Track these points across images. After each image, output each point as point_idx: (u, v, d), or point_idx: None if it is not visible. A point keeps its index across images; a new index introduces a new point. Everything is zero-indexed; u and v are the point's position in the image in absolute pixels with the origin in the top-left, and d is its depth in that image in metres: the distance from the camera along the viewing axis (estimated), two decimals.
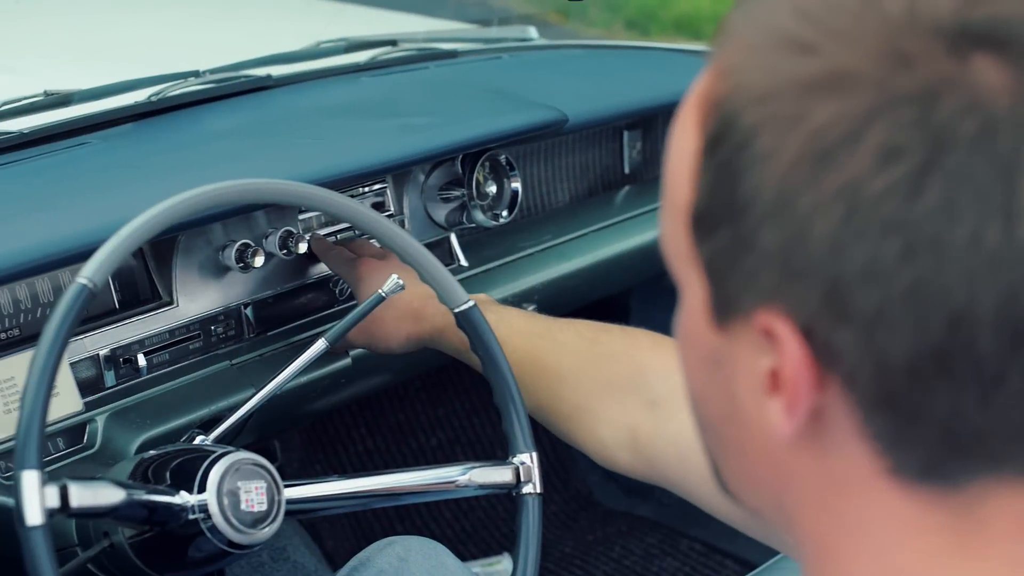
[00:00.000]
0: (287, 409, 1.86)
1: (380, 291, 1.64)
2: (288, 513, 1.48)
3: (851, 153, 0.63)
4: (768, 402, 0.69)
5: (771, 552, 2.55)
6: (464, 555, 2.71)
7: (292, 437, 2.60)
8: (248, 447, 1.50)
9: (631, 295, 2.69)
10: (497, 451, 2.86)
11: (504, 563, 2.68)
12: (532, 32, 2.57)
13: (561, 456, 2.91)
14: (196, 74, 2.07)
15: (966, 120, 0.62)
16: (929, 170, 0.62)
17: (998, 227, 0.62)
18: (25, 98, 1.91)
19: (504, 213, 2.10)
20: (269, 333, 1.88)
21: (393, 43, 2.36)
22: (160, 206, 1.41)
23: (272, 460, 2.33)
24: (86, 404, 1.67)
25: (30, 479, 1.26)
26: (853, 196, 0.63)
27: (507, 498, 2.54)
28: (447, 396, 2.85)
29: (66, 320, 1.31)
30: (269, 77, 2.13)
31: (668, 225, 0.74)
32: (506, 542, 2.79)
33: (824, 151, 0.64)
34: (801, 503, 0.72)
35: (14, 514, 1.26)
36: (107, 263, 1.36)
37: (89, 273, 1.34)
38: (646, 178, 2.51)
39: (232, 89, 2.08)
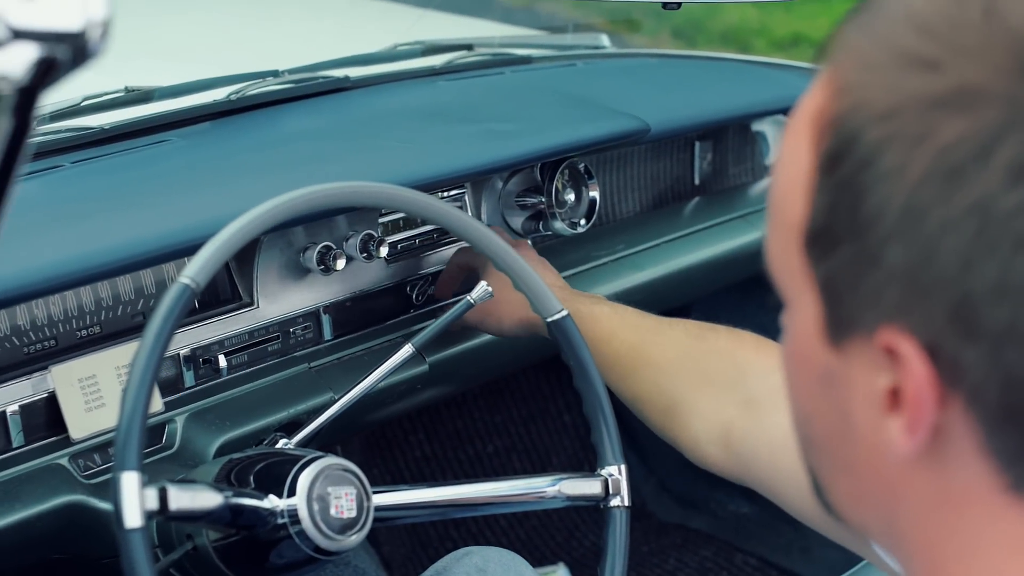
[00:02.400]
0: (362, 413, 1.84)
1: (469, 297, 1.63)
2: (376, 520, 1.46)
3: (981, 169, 0.63)
4: (886, 420, 0.69)
5: (830, 570, 2.52)
6: None
7: (351, 441, 2.59)
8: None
9: (691, 309, 2.67)
10: (553, 458, 2.85)
11: (560, 573, 2.66)
12: (604, 40, 2.56)
13: None
14: (275, 74, 2.07)
15: None
16: None
17: None
18: (106, 93, 1.90)
19: (582, 222, 2.08)
20: (347, 336, 1.87)
21: (469, 47, 2.35)
22: (263, 207, 1.40)
23: None
24: (166, 404, 1.65)
25: (130, 481, 1.25)
26: (984, 213, 0.63)
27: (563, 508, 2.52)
28: (504, 404, 2.83)
29: (168, 319, 1.30)
30: (347, 78, 2.12)
31: (777, 243, 0.74)
32: (560, 551, 2.77)
33: (953, 168, 0.64)
34: (914, 520, 0.72)
35: (112, 515, 1.25)
36: (210, 263, 1.35)
37: (192, 273, 1.33)
38: (715, 189, 2.49)
39: (310, 90, 2.07)
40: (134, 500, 1.24)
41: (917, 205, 0.65)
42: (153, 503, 1.26)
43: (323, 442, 1.83)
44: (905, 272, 0.66)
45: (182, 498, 1.28)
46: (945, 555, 0.71)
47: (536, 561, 2.71)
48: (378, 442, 2.68)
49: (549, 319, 1.57)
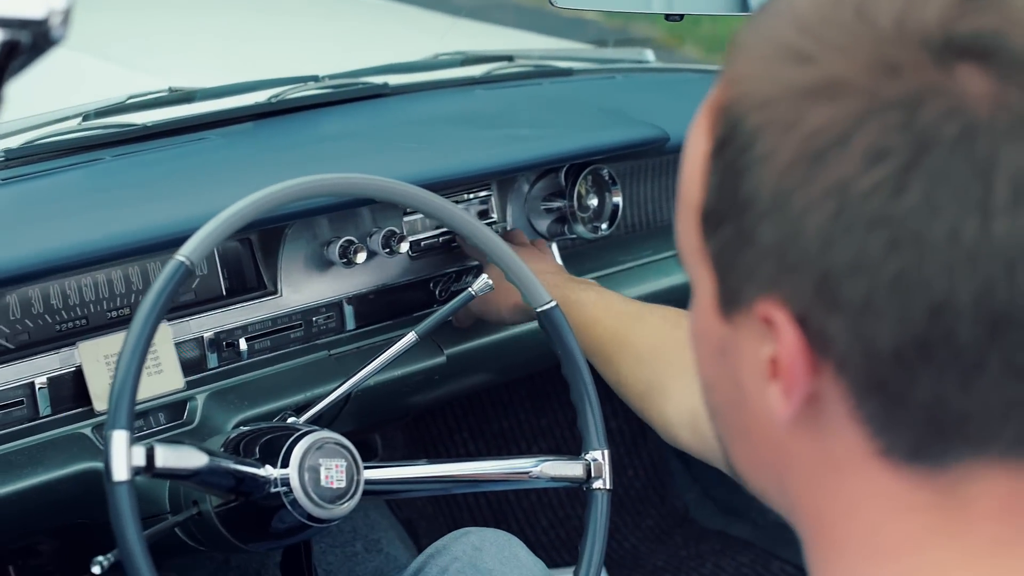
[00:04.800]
0: (383, 400, 1.93)
1: (470, 289, 1.71)
2: (366, 493, 1.55)
3: (841, 154, 0.69)
4: (769, 387, 0.75)
5: None
6: (556, 561, 2.77)
7: (396, 436, 2.68)
8: (347, 436, 1.58)
9: None
10: None
11: None
12: (648, 55, 2.62)
13: (660, 473, 2.95)
14: (315, 79, 2.16)
15: (948, 124, 0.67)
16: (912, 169, 0.67)
17: (975, 223, 0.67)
18: (151, 93, 2.01)
19: (603, 226, 2.16)
20: (368, 327, 1.96)
21: (509, 58, 2.42)
22: (258, 194, 1.50)
23: (372, 455, 2.44)
24: (188, 383, 1.76)
25: (119, 438, 1.35)
26: (842, 194, 0.68)
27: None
28: (551, 405, 2.90)
29: (162, 293, 1.40)
30: (386, 85, 2.21)
31: (682, 224, 0.80)
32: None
33: (817, 152, 0.69)
34: (800, 484, 0.77)
35: (102, 471, 1.35)
36: (204, 243, 1.45)
37: (187, 251, 1.44)
38: None
39: (349, 95, 2.17)
40: (122, 456, 1.34)
41: (785, 187, 0.70)
42: (140, 460, 1.36)
43: (355, 427, 1.93)
44: (775, 249, 0.71)
45: (168, 456, 1.39)
46: (829, 517, 0.76)
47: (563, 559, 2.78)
48: (422, 437, 2.77)
49: (538, 309, 1.66)
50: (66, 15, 0.76)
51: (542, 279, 1.71)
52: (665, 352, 1.64)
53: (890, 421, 0.71)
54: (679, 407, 1.59)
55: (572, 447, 2.91)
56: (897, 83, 0.68)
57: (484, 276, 1.72)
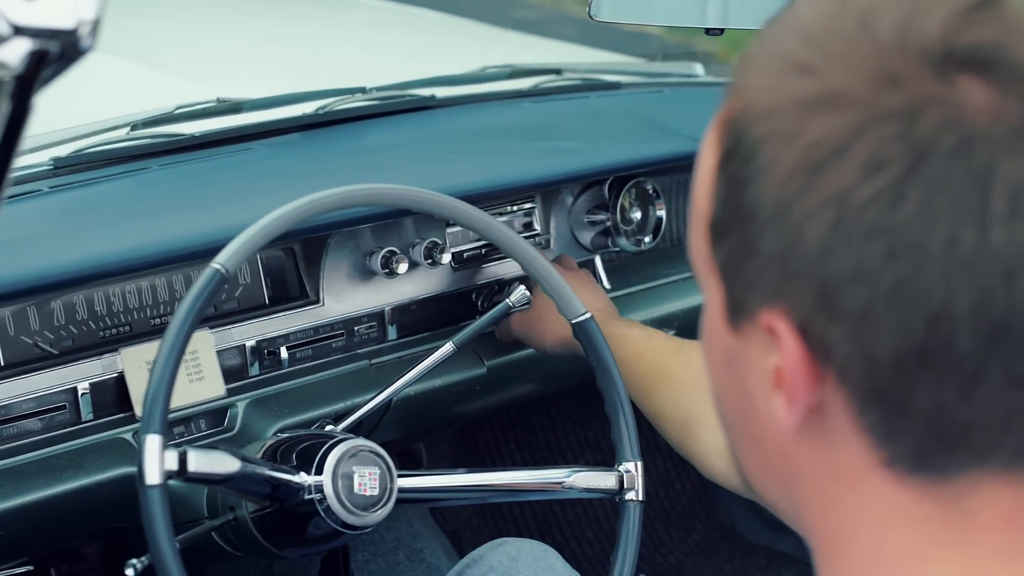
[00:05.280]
0: (424, 411, 1.95)
1: (507, 300, 1.72)
2: (399, 501, 1.57)
3: (840, 164, 0.69)
4: (774, 397, 0.75)
5: None
6: (601, 574, 2.77)
7: (441, 446, 2.69)
8: (390, 445, 1.59)
9: None
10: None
11: None
12: (698, 69, 2.62)
13: (707, 487, 2.95)
14: (363, 90, 2.18)
15: (946, 134, 0.67)
16: (910, 179, 0.68)
17: (972, 233, 0.67)
18: (199, 103, 2.04)
19: (647, 239, 2.17)
20: (410, 338, 1.98)
21: (557, 72, 2.44)
22: (294, 203, 1.52)
23: (417, 464, 2.45)
24: (229, 390, 1.78)
25: (152, 442, 1.37)
26: (841, 204, 0.69)
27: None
28: (599, 418, 2.89)
29: (198, 300, 1.42)
30: (433, 97, 2.23)
31: (693, 235, 0.81)
32: (642, 564, 2.83)
33: (817, 162, 0.70)
34: (807, 494, 0.78)
35: (136, 475, 1.38)
36: (240, 251, 1.47)
37: (223, 259, 1.46)
38: None
39: (396, 106, 2.19)
40: (155, 460, 1.37)
41: (786, 197, 0.71)
42: (173, 464, 1.38)
43: (399, 436, 1.94)
44: (777, 258, 0.72)
45: (201, 461, 1.41)
46: (835, 527, 0.77)
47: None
48: (468, 448, 2.78)
49: (573, 320, 1.66)
50: (95, 25, 0.78)
51: (598, 315, 1.72)
52: (705, 384, 1.64)
53: (892, 431, 0.72)
54: (718, 437, 1.59)
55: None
56: (897, 94, 0.69)
57: (521, 288, 1.73)
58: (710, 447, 1.62)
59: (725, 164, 0.75)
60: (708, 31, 1.76)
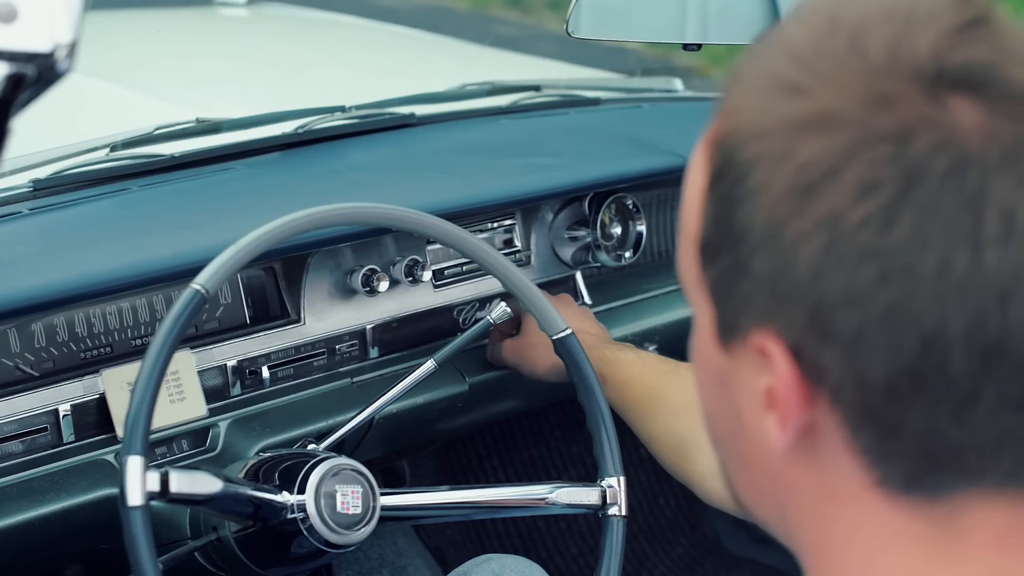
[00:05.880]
0: (406, 428, 1.95)
1: (489, 317, 1.73)
2: (383, 519, 1.57)
3: (832, 187, 0.69)
4: (766, 418, 0.75)
5: None
6: None
7: (425, 463, 2.69)
8: (373, 463, 1.59)
9: None
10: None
11: None
12: (677, 84, 2.63)
13: (691, 501, 2.95)
14: (342, 109, 2.18)
15: (938, 156, 0.68)
16: (902, 202, 0.68)
17: (965, 256, 0.67)
18: (178, 124, 2.04)
19: (627, 254, 2.17)
20: (391, 355, 1.98)
21: (536, 88, 2.44)
22: (273, 223, 1.52)
23: (400, 482, 2.45)
24: (211, 410, 1.78)
25: (134, 464, 1.37)
26: (833, 226, 0.69)
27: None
28: (582, 434, 2.89)
29: (178, 320, 1.42)
30: (412, 115, 2.23)
31: (683, 254, 0.81)
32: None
33: (808, 185, 0.70)
34: (799, 514, 0.78)
35: (118, 496, 1.37)
36: (220, 272, 1.47)
37: (203, 280, 1.46)
38: None
39: (376, 125, 2.19)
40: (137, 481, 1.36)
41: (777, 218, 0.71)
42: (155, 485, 1.38)
43: (382, 453, 1.94)
44: (769, 280, 0.72)
45: (183, 482, 1.41)
46: (827, 546, 0.77)
47: None
48: (452, 465, 2.78)
49: (554, 336, 1.67)
50: (72, 48, 0.78)
51: (581, 339, 1.72)
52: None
53: (885, 452, 0.72)
54: (713, 459, 1.59)
55: None
56: (888, 115, 0.69)
57: (503, 304, 1.73)
58: (705, 470, 1.62)
59: (715, 184, 0.75)
60: (686, 47, 1.77)
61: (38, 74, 0.78)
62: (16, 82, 0.78)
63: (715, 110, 0.79)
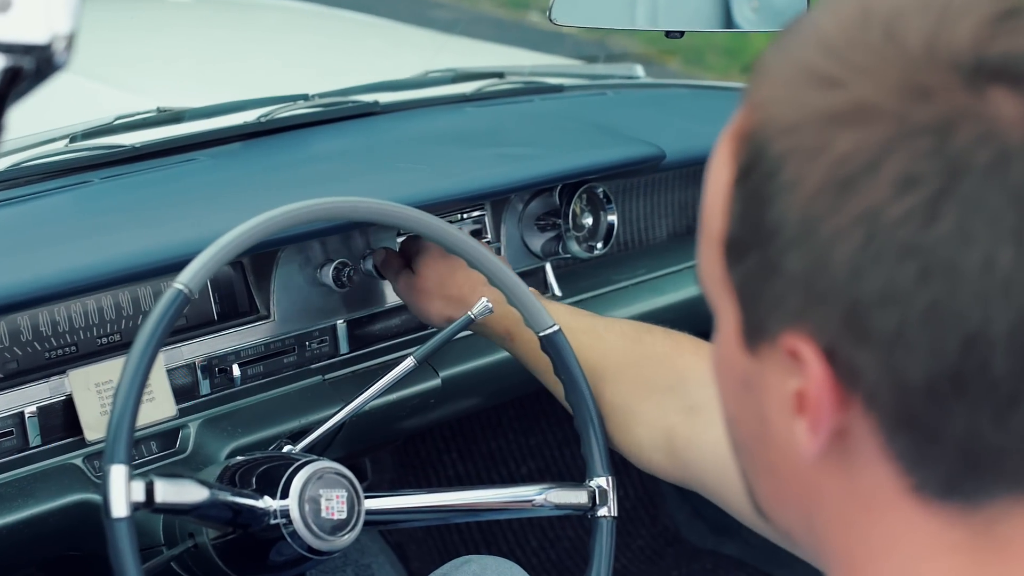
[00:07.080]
0: (376, 426, 1.90)
1: (470, 313, 1.68)
2: (367, 523, 1.52)
3: (870, 181, 0.66)
4: (795, 422, 0.72)
5: None
6: None
7: (384, 458, 2.65)
8: (338, 462, 1.55)
9: (711, 334, 2.71)
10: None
11: None
12: (639, 70, 2.60)
13: (650, 492, 2.92)
14: (305, 97, 2.13)
15: (981, 150, 0.65)
16: (944, 197, 0.65)
17: (1010, 252, 0.65)
18: (138, 114, 1.98)
19: (599, 245, 2.13)
20: (363, 351, 1.93)
21: (500, 75, 2.40)
22: (257, 219, 1.46)
23: (362, 479, 2.39)
24: (180, 410, 1.72)
25: (118, 473, 1.31)
26: (872, 222, 0.66)
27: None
28: (539, 426, 2.88)
29: (160, 323, 1.36)
30: (376, 103, 2.18)
31: (704, 253, 0.78)
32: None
33: (845, 179, 0.67)
34: (829, 522, 0.75)
35: (101, 507, 1.31)
36: (203, 270, 1.41)
37: (185, 279, 1.40)
38: None
39: (339, 113, 2.14)
40: (121, 491, 1.31)
41: (812, 215, 0.68)
42: (139, 495, 1.32)
43: (346, 452, 1.89)
44: (802, 279, 0.69)
45: (168, 491, 1.35)
46: (860, 557, 0.74)
47: None
48: (411, 460, 2.74)
49: (541, 333, 1.62)
50: (70, 40, 0.75)
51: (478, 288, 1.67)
52: (629, 372, 1.60)
53: (922, 456, 0.69)
54: (652, 429, 1.55)
55: (561, 467, 2.89)
56: (927, 107, 0.66)
57: (484, 299, 1.69)
58: (645, 440, 1.57)
59: (743, 180, 0.72)
60: (668, 34, 1.73)
61: (36, 67, 0.74)
62: (13, 76, 0.74)
63: (741, 103, 0.76)
